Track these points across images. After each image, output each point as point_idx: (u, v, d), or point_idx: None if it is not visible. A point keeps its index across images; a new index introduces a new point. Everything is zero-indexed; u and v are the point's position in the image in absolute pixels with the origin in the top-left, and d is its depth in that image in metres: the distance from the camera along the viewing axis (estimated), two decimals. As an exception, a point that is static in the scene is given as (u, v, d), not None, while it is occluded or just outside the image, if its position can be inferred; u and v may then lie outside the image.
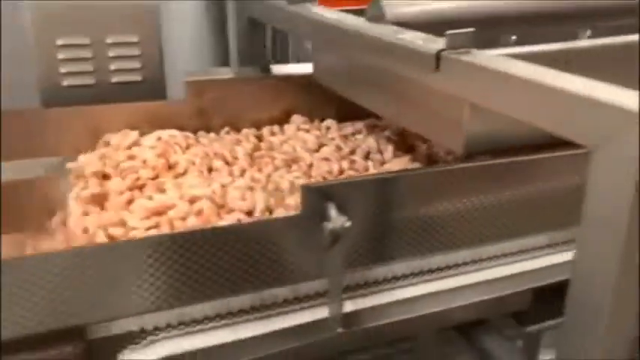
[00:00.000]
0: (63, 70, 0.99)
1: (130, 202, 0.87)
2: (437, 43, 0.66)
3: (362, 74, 0.88)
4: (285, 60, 1.92)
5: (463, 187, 0.69)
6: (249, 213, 0.86)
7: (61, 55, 0.98)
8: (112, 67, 1.02)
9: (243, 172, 1.01)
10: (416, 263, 0.70)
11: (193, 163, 1.01)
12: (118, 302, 0.58)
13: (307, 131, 1.16)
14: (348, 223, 0.59)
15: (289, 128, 1.18)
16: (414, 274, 0.69)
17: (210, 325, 0.62)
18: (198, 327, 0.62)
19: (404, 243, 0.66)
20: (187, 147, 1.06)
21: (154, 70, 1.05)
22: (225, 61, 1.59)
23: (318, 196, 0.60)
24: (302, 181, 0.95)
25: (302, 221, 0.61)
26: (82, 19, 0.99)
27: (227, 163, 1.04)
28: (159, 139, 1.04)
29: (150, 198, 0.90)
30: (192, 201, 0.88)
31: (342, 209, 0.60)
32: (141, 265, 0.57)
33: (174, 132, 1.06)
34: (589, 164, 0.46)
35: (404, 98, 0.78)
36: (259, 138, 1.14)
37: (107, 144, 1.00)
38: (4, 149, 0.93)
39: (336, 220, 0.59)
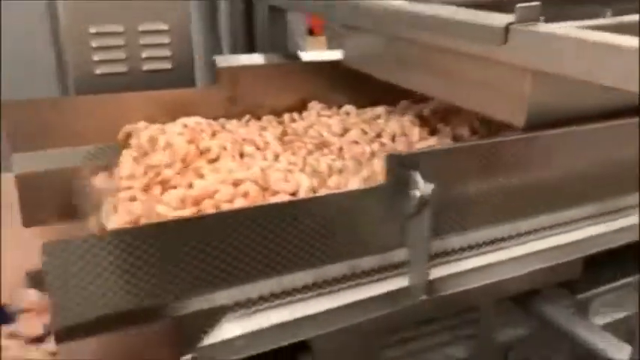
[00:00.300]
0: (96, 58, 0.98)
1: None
2: (501, 18, 0.68)
3: (406, 55, 0.90)
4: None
5: (535, 156, 0.71)
6: (294, 194, 0.87)
7: (94, 44, 0.97)
8: (144, 55, 1.02)
9: (277, 157, 1.01)
10: (483, 233, 0.72)
11: (225, 149, 1.01)
12: (212, 275, 0.58)
13: (329, 117, 1.17)
14: (433, 191, 0.61)
15: (310, 114, 1.18)
16: (485, 243, 0.71)
17: (298, 296, 0.63)
18: (287, 299, 0.62)
19: (484, 211, 0.68)
20: (213, 134, 1.05)
21: (183, 58, 1.04)
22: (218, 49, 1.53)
23: (403, 164, 0.62)
24: (339, 163, 0.96)
25: (388, 190, 0.62)
26: (114, 7, 0.98)
27: (258, 148, 1.04)
28: (185, 126, 1.04)
29: (190, 185, 0.90)
30: (235, 184, 0.88)
31: (426, 177, 0.61)
32: (238, 236, 0.57)
33: (199, 119, 1.05)
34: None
35: (457, 75, 0.80)
36: (281, 124, 1.14)
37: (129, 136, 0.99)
38: (39, 138, 0.91)
39: (423, 187, 0.61)
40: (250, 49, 1.31)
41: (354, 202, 0.62)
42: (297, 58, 1.13)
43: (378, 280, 0.66)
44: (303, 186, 0.88)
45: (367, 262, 0.65)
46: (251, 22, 1.17)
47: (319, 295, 0.64)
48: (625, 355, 0.68)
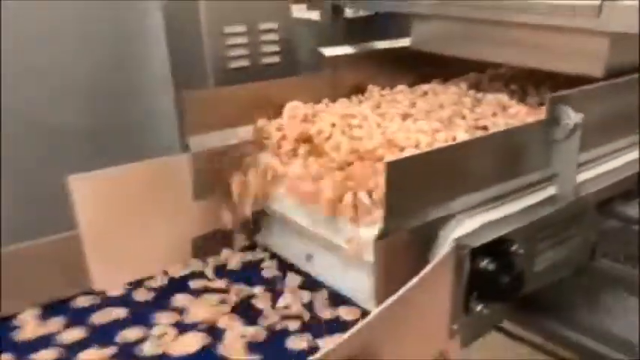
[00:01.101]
0: (230, 54, 1.16)
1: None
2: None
3: (486, 34, 1.16)
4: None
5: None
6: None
7: (228, 42, 1.15)
8: (262, 50, 1.21)
9: (378, 125, 1.21)
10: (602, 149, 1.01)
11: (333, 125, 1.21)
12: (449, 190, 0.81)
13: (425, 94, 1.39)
14: (581, 119, 0.88)
15: (400, 92, 1.40)
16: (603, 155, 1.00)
17: (494, 204, 0.87)
18: (490, 205, 0.87)
19: (614, 133, 0.96)
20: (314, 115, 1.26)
21: (289, 53, 1.24)
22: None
23: (557, 102, 0.88)
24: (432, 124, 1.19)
25: (550, 121, 0.88)
26: (240, 8, 1.16)
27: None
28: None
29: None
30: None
31: (576, 109, 0.88)
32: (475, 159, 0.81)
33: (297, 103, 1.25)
34: None
35: (546, 45, 1.08)
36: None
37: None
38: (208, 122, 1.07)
39: (573, 117, 0.87)
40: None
41: (525, 135, 0.88)
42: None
43: (540, 190, 0.92)
44: (423, 142, 1.12)
45: (532, 177, 0.91)
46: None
47: (507, 202, 0.89)
48: None
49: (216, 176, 1.10)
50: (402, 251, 0.78)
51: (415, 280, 0.72)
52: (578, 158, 0.91)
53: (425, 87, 1.43)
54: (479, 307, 0.82)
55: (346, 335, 0.67)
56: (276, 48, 1.23)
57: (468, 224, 0.83)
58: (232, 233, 1.15)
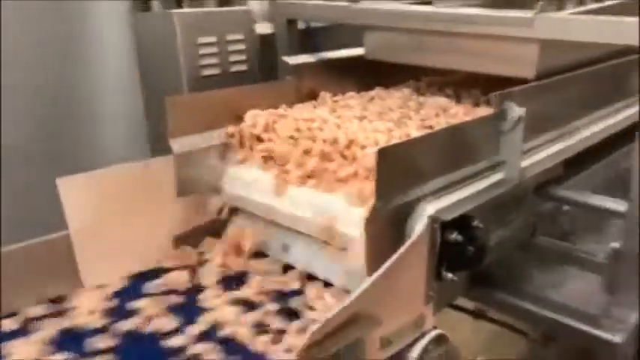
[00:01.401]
0: (203, 63, 1.24)
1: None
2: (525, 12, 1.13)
3: (434, 43, 1.31)
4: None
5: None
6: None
7: (201, 51, 1.23)
8: (230, 59, 1.30)
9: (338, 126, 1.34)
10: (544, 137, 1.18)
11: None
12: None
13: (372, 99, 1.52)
14: (524, 112, 1.03)
15: (351, 98, 1.52)
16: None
17: (454, 188, 1.01)
18: (453, 188, 1.00)
19: (556, 121, 1.11)
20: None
21: (253, 62, 1.34)
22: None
23: (503, 99, 1.03)
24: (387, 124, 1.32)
25: (497, 115, 1.03)
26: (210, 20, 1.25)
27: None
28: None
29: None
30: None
31: (519, 105, 1.03)
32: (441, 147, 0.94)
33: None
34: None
35: (483, 52, 1.23)
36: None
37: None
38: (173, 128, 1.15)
39: (517, 110, 1.03)
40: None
41: (478, 127, 1.02)
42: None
43: (492, 174, 1.06)
44: (381, 140, 1.24)
45: (485, 163, 1.05)
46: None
47: (465, 185, 1.03)
48: (621, 206, 1.13)
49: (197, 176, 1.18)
50: (385, 227, 0.90)
51: (398, 253, 0.84)
52: (522, 147, 1.06)
53: (371, 93, 1.57)
54: (449, 276, 0.95)
55: (345, 302, 0.77)
56: (242, 57, 1.32)
57: (437, 203, 0.96)
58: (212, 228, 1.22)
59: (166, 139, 1.14)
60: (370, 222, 0.86)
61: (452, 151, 1.00)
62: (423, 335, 0.95)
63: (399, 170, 0.89)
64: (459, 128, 1.02)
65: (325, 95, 1.53)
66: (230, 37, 1.29)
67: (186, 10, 1.23)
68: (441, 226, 0.92)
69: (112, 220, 1.10)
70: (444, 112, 1.39)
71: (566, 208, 1.30)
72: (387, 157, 0.84)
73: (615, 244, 1.11)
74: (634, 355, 1.17)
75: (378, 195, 0.85)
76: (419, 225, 0.92)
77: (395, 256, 0.83)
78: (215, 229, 1.22)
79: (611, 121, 1.37)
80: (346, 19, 1.41)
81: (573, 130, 1.25)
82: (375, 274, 0.81)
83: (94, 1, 1.39)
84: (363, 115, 1.40)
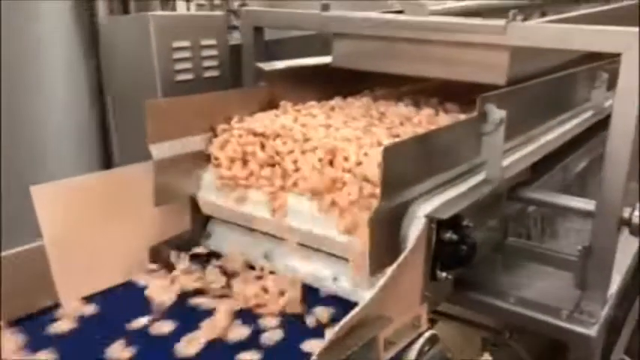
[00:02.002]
0: (177, 67, 1.21)
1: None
2: (498, 21, 1.17)
3: (404, 50, 1.33)
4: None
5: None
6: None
7: (175, 56, 1.20)
8: (204, 65, 1.27)
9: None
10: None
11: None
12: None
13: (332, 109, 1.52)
14: (504, 115, 1.07)
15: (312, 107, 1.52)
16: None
17: (443, 188, 1.03)
18: (441, 189, 1.02)
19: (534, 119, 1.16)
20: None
21: (224, 68, 1.32)
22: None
23: (485, 102, 1.06)
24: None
25: (479, 118, 1.06)
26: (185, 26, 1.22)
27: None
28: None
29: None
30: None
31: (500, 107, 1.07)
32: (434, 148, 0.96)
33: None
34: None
35: (455, 59, 1.27)
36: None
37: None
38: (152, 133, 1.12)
39: (498, 113, 1.06)
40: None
41: (462, 129, 1.05)
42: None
43: (473, 176, 1.09)
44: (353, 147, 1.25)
45: (466, 165, 1.08)
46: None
47: (451, 187, 1.05)
48: (590, 206, 1.18)
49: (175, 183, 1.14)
50: (385, 225, 0.90)
51: (404, 254, 0.85)
52: (502, 148, 1.10)
53: (331, 102, 1.57)
54: (444, 275, 0.96)
55: (360, 305, 0.77)
56: (215, 63, 1.30)
57: (429, 204, 0.98)
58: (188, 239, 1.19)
59: (137, 148, 1.10)
60: (374, 221, 0.87)
61: (441, 152, 1.02)
62: (418, 337, 0.96)
63: (399, 169, 0.90)
64: (447, 130, 1.05)
65: (286, 104, 1.52)
66: (204, 42, 1.27)
67: (161, 12, 1.20)
68: (436, 225, 0.93)
69: (88, 230, 1.05)
70: (408, 121, 1.42)
71: (531, 209, 1.36)
72: (391, 155, 0.85)
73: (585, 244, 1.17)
74: (603, 346, 1.23)
75: (383, 193, 0.86)
76: (414, 225, 0.93)
77: (401, 258, 0.84)
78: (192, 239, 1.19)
79: (569, 125, 1.45)
80: (316, 27, 1.42)
81: (541, 132, 1.31)
82: (385, 277, 0.82)
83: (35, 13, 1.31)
84: (328, 123, 1.40)
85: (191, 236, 1.22)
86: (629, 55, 1.02)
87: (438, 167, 1.02)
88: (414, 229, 0.92)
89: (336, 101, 1.59)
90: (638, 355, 1.70)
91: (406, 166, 0.92)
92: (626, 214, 1.13)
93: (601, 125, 1.64)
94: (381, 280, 0.81)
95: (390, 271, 0.81)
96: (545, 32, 1.13)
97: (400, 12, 1.33)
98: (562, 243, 1.35)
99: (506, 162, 1.16)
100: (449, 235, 0.95)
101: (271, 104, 1.38)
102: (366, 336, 0.76)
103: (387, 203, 0.88)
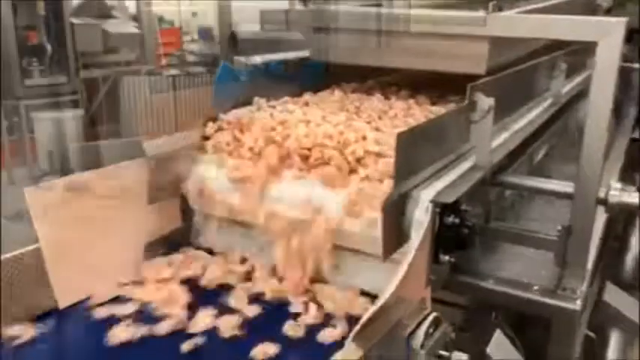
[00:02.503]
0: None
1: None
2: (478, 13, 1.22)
3: (385, 43, 1.36)
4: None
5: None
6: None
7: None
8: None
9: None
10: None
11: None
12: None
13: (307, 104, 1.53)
14: (492, 103, 1.11)
15: (286, 102, 1.52)
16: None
17: (438, 175, 1.06)
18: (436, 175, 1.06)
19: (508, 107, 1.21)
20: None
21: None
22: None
23: (475, 90, 1.10)
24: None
25: (468, 106, 1.10)
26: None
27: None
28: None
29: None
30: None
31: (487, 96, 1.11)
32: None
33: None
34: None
35: (434, 51, 1.31)
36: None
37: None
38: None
39: (487, 101, 1.11)
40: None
41: (455, 117, 1.09)
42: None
43: (464, 162, 1.13)
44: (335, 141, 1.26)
45: (456, 152, 1.12)
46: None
47: (446, 173, 1.08)
48: (569, 188, 1.24)
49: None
50: (393, 209, 0.93)
51: (418, 238, 0.88)
52: (491, 134, 1.15)
53: (305, 97, 1.59)
54: (446, 258, 1.00)
55: (390, 290, 0.79)
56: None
57: (430, 190, 1.01)
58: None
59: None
60: (387, 207, 0.89)
61: (439, 140, 1.06)
62: (423, 320, 0.99)
63: (408, 156, 0.92)
64: (447, 118, 1.08)
65: (260, 100, 1.52)
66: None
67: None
68: (440, 209, 0.96)
69: (83, 230, 1.02)
70: (385, 114, 1.45)
71: (507, 193, 1.42)
72: (404, 142, 0.87)
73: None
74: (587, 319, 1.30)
75: (396, 178, 0.88)
76: (419, 210, 0.96)
77: (416, 242, 0.87)
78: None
79: (535, 112, 1.53)
80: (297, 21, 1.43)
81: (513, 120, 1.38)
82: (405, 261, 0.84)
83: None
84: (307, 119, 1.41)
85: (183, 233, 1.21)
86: (605, 42, 1.08)
87: (436, 154, 1.06)
88: (419, 213, 0.95)
89: (309, 97, 1.61)
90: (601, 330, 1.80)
91: (415, 153, 0.95)
92: (602, 194, 1.19)
93: (557, 114, 1.75)
94: (404, 265, 0.83)
95: (410, 256, 0.84)
96: (525, 23, 1.19)
97: (379, 5, 1.36)
98: (533, 225, 1.41)
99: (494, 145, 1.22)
100: (451, 218, 0.98)
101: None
102: (393, 318, 0.78)
103: (398, 189, 0.91)
